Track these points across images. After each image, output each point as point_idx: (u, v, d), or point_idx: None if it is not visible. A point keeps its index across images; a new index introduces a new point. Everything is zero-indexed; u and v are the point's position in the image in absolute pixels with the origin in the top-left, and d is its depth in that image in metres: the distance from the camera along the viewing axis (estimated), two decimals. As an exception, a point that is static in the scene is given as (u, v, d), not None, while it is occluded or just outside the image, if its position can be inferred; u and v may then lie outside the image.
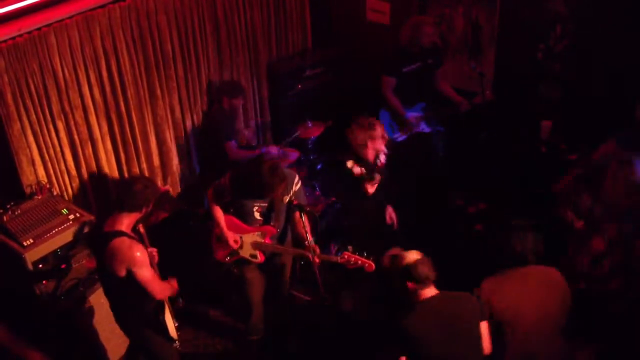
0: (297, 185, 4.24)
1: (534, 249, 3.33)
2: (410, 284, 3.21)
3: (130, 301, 3.72)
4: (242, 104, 5.87)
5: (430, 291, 3.24)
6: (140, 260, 3.49)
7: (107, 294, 3.89)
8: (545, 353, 3.31)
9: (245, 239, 4.28)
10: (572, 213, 3.66)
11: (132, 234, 3.62)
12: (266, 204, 4.19)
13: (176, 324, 4.10)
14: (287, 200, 4.23)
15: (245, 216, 4.26)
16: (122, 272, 3.49)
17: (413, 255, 3.28)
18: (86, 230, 4.48)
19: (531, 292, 3.29)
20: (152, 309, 3.80)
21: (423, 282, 3.21)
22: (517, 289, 3.30)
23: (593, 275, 3.59)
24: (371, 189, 4.55)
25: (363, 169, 4.52)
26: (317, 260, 3.99)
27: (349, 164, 4.52)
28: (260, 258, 4.31)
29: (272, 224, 4.26)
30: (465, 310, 3.22)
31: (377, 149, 4.53)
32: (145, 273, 3.53)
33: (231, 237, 4.23)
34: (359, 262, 4.03)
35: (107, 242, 3.47)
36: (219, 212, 4.26)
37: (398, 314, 3.23)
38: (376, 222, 4.81)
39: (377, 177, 4.54)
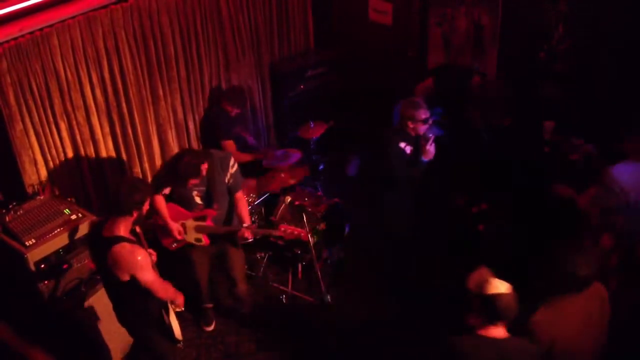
0: (233, 167, 4.40)
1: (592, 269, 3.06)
2: (480, 316, 2.88)
3: (134, 303, 3.71)
4: (241, 112, 5.85)
5: (498, 331, 2.87)
6: (142, 264, 3.48)
7: (110, 296, 3.88)
8: None
9: (188, 225, 4.44)
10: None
11: (131, 237, 3.60)
12: (204, 188, 4.36)
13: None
14: (226, 182, 4.38)
15: (186, 202, 4.43)
16: (126, 277, 3.48)
17: (502, 287, 2.87)
18: (87, 230, 4.48)
19: (586, 317, 3.08)
20: (157, 310, 3.79)
21: (497, 319, 2.86)
22: (576, 314, 3.05)
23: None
24: (430, 148, 4.56)
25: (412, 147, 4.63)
26: (249, 235, 4.40)
27: (402, 144, 4.58)
28: (205, 241, 4.46)
29: (214, 206, 4.39)
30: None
31: (417, 130, 4.58)
32: (148, 276, 3.53)
33: (175, 228, 4.40)
34: (295, 232, 4.38)
35: (108, 247, 3.45)
36: (161, 203, 4.41)
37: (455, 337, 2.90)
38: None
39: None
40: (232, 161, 4.42)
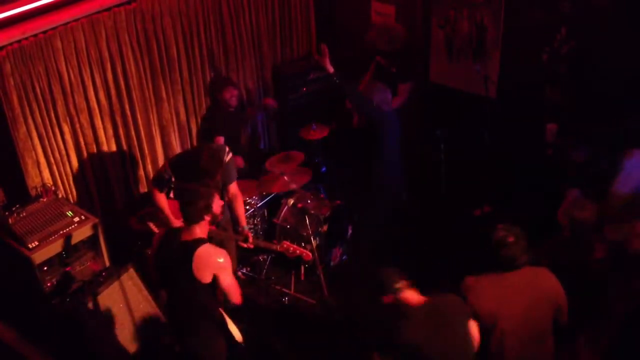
0: (227, 156, 4.43)
1: (523, 254, 3.29)
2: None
3: (206, 309, 3.66)
4: (236, 94, 5.81)
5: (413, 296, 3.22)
6: (226, 266, 3.51)
7: (180, 302, 3.73)
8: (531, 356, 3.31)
9: None
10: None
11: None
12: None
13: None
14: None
15: None
16: (208, 279, 3.48)
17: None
18: (90, 233, 4.50)
19: (514, 296, 3.27)
20: (220, 318, 3.75)
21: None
22: (498, 293, 3.29)
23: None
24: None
25: None
26: (250, 246, 4.30)
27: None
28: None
29: None
30: (455, 311, 3.22)
31: None
32: (230, 278, 3.55)
33: (178, 224, 4.30)
34: (297, 251, 4.27)
35: (192, 250, 3.45)
36: (162, 199, 4.40)
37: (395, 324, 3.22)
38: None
39: None
40: (225, 151, 4.43)
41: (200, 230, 3.54)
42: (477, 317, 3.25)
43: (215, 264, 3.46)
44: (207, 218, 3.56)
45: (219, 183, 4.40)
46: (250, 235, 4.41)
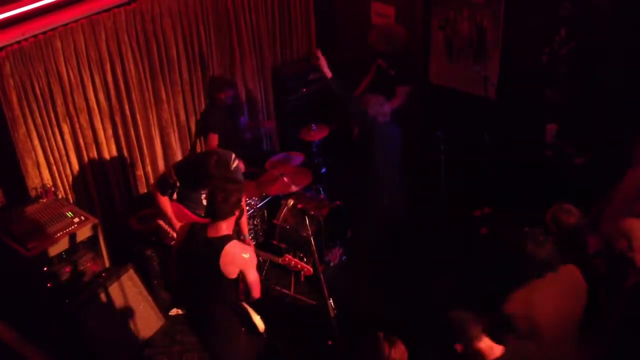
0: (232, 163, 4.47)
1: (553, 254, 3.25)
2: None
3: (230, 302, 3.73)
4: (231, 94, 5.78)
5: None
6: (253, 262, 3.58)
7: (203, 299, 3.74)
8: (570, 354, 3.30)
9: None
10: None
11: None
12: None
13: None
14: None
15: (193, 204, 4.44)
16: (234, 274, 3.53)
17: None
18: (89, 233, 4.50)
19: (561, 296, 3.24)
20: (241, 310, 3.81)
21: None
22: (551, 295, 3.21)
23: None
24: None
25: None
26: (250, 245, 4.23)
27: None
28: None
29: None
30: None
31: None
32: (254, 274, 3.61)
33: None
34: (299, 265, 4.26)
35: (220, 247, 3.48)
36: (165, 201, 4.41)
37: None
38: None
39: None
40: (232, 158, 4.45)
41: (227, 226, 3.56)
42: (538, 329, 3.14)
43: (242, 259, 3.51)
44: (237, 213, 3.57)
45: None
46: (252, 244, 4.42)
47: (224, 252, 3.46)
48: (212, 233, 3.54)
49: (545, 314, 3.16)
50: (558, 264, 3.26)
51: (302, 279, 5.37)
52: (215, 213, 3.51)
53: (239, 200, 3.57)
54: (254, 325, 3.84)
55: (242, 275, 3.56)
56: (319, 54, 4.85)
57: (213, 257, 3.48)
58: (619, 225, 3.41)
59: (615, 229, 3.41)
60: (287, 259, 4.32)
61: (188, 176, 4.33)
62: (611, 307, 3.49)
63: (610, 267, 3.57)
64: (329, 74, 4.86)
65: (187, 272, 3.72)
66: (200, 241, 3.56)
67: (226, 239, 3.52)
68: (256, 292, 3.68)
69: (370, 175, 5.15)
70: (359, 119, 5.03)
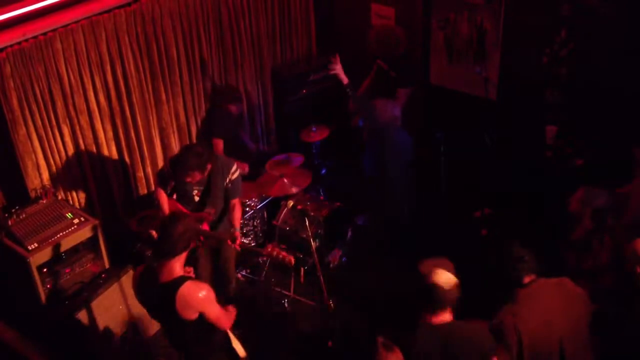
0: (234, 174, 4.45)
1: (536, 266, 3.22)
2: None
3: (202, 339, 3.56)
4: (239, 110, 5.84)
5: (442, 317, 2.99)
6: (208, 299, 3.36)
7: (175, 338, 3.67)
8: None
9: None
10: None
11: (186, 271, 3.50)
12: (203, 188, 4.42)
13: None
14: (224, 186, 4.43)
15: (186, 200, 4.46)
16: (194, 316, 3.35)
17: (443, 277, 2.98)
18: (89, 234, 4.50)
19: (553, 304, 3.18)
20: (222, 337, 3.67)
21: (434, 308, 2.98)
22: (540, 306, 3.16)
23: (585, 271, 3.58)
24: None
25: None
26: (237, 247, 4.21)
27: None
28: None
29: (207, 208, 4.44)
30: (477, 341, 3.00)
31: None
32: (215, 310, 3.41)
33: None
34: (281, 256, 4.07)
35: (173, 291, 3.29)
36: (163, 197, 4.46)
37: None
38: None
39: None
40: (234, 167, 4.46)
41: (179, 265, 3.36)
42: (531, 337, 3.08)
43: (197, 300, 3.30)
44: (189, 249, 3.41)
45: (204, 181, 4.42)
46: (239, 236, 4.32)
47: (177, 298, 3.27)
48: (164, 277, 3.33)
49: (530, 329, 3.09)
50: (544, 278, 3.21)
51: (302, 280, 5.37)
52: (167, 251, 3.30)
53: (194, 236, 3.43)
54: (234, 353, 3.74)
55: (204, 315, 3.37)
56: (337, 59, 4.80)
57: (169, 304, 3.29)
58: (635, 247, 3.34)
59: (631, 251, 3.37)
60: (268, 249, 4.11)
61: (175, 168, 4.32)
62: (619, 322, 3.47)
63: (618, 283, 3.55)
64: (345, 80, 4.84)
65: (157, 319, 3.65)
66: (154, 289, 3.38)
67: (179, 281, 3.30)
68: (224, 325, 3.54)
69: (381, 178, 5.13)
70: (370, 124, 4.99)
